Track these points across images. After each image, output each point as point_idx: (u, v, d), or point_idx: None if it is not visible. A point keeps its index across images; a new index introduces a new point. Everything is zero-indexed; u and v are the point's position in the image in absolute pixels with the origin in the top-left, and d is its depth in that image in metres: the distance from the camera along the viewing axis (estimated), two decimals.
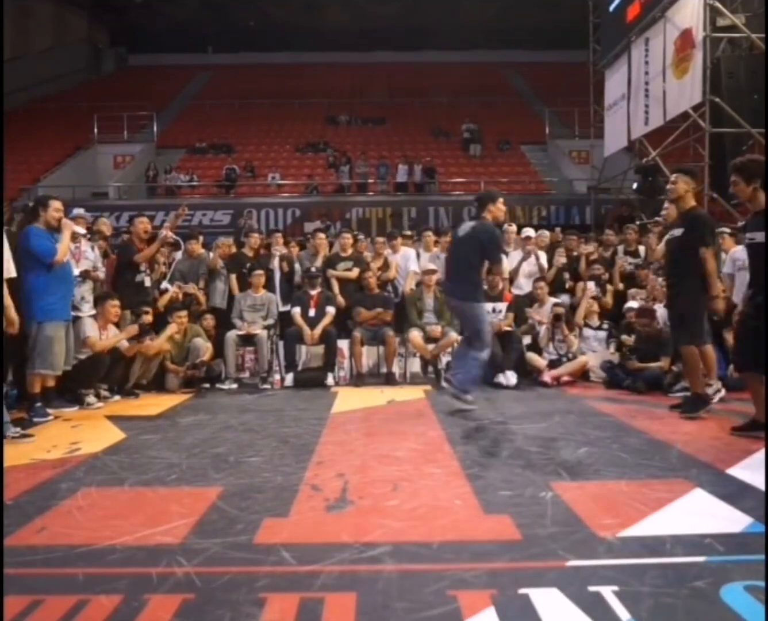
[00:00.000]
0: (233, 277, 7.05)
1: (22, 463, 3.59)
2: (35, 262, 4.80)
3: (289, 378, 6.51)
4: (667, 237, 5.17)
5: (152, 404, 5.52)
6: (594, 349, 6.62)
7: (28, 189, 15.48)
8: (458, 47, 27.04)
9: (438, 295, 6.76)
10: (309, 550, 2.31)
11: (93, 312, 5.71)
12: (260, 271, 6.84)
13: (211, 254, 7.26)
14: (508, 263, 7.36)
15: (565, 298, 7.08)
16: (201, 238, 7.46)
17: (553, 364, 6.37)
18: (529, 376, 6.43)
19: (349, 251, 7.38)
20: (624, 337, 6.32)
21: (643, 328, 6.01)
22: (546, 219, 15.31)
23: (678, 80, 10.67)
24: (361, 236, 8.63)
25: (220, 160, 18.72)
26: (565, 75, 20.53)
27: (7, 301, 4.32)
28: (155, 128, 19.89)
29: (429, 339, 6.56)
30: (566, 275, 7.36)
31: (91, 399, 5.37)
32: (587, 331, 6.72)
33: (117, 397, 5.75)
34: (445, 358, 6.76)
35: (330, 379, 6.53)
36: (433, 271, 6.82)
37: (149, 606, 1.92)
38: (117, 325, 5.85)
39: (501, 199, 5.15)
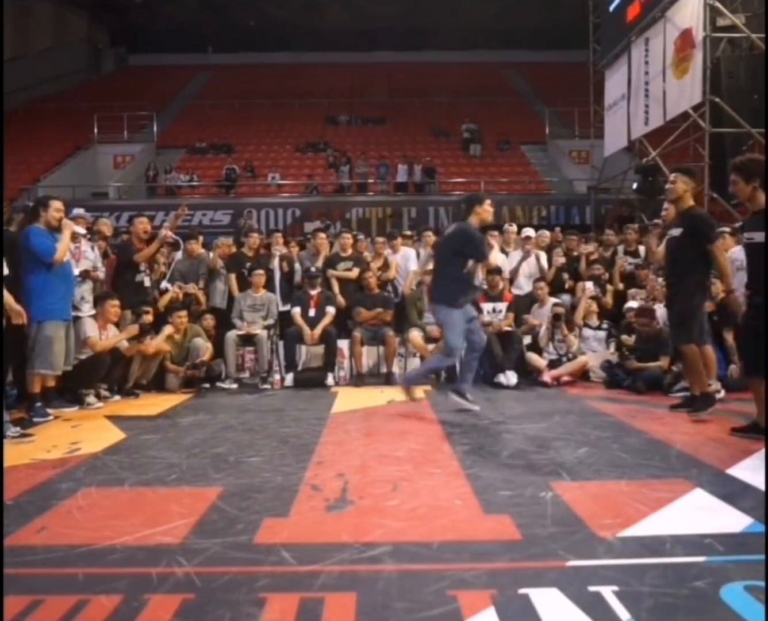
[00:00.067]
0: (233, 276, 7.05)
1: (22, 463, 3.59)
2: (35, 262, 4.80)
3: (289, 378, 6.51)
4: (666, 237, 5.17)
5: (152, 404, 5.52)
6: (594, 349, 6.62)
7: (28, 189, 15.48)
8: (458, 47, 27.04)
9: None
10: (309, 550, 2.31)
11: (93, 312, 5.70)
12: (261, 271, 6.84)
13: (211, 254, 7.26)
14: (508, 263, 7.38)
15: (565, 298, 7.08)
16: (201, 238, 7.46)
17: (553, 364, 6.37)
18: (529, 376, 6.43)
19: (349, 251, 7.38)
20: (624, 337, 6.32)
21: (643, 327, 6.01)
22: (546, 219, 15.31)
23: (678, 80, 10.68)
24: (361, 236, 8.63)
25: (220, 160, 18.72)
26: (565, 75, 20.53)
27: (7, 296, 4.32)
28: (155, 128, 19.89)
29: (429, 339, 6.56)
30: (565, 276, 7.36)
31: (91, 399, 5.37)
32: (587, 331, 6.72)
33: (117, 397, 5.75)
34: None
35: (330, 379, 6.53)
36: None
37: (149, 606, 1.92)
38: (117, 325, 5.85)
39: (488, 201, 5.16)
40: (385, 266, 7.40)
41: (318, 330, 6.58)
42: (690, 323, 4.48)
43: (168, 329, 6.14)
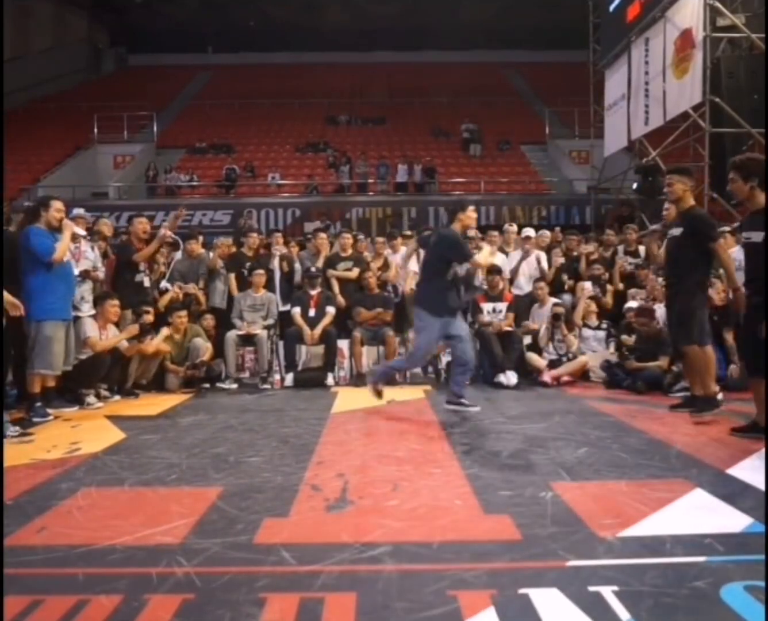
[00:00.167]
0: (232, 276, 7.05)
1: (22, 463, 3.59)
2: (35, 262, 4.80)
3: (289, 378, 6.51)
4: (666, 237, 5.17)
5: (152, 404, 5.52)
6: (593, 349, 6.62)
7: (28, 189, 15.48)
8: (458, 47, 27.04)
9: None
10: (309, 550, 2.31)
11: (92, 312, 5.71)
12: (261, 271, 6.84)
13: (211, 254, 7.26)
14: (508, 263, 7.38)
15: (566, 298, 7.08)
16: (201, 238, 7.47)
17: (553, 364, 6.37)
18: (529, 376, 6.43)
19: (349, 251, 7.38)
20: (624, 337, 6.32)
21: (642, 327, 6.01)
22: (546, 219, 15.31)
23: (678, 80, 10.68)
24: (361, 236, 8.63)
25: (220, 160, 18.72)
26: (565, 75, 20.53)
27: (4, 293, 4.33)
28: (155, 128, 19.89)
29: None
30: (564, 277, 7.36)
31: (91, 399, 5.37)
32: (586, 332, 6.72)
33: (117, 397, 5.75)
34: (445, 358, 6.76)
35: (330, 379, 6.53)
36: None
37: (149, 606, 1.92)
38: (117, 325, 5.85)
39: (471, 208, 5.17)
40: (385, 266, 7.40)
41: (318, 330, 6.58)
42: (691, 324, 4.47)
43: (165, 331, 6.13)
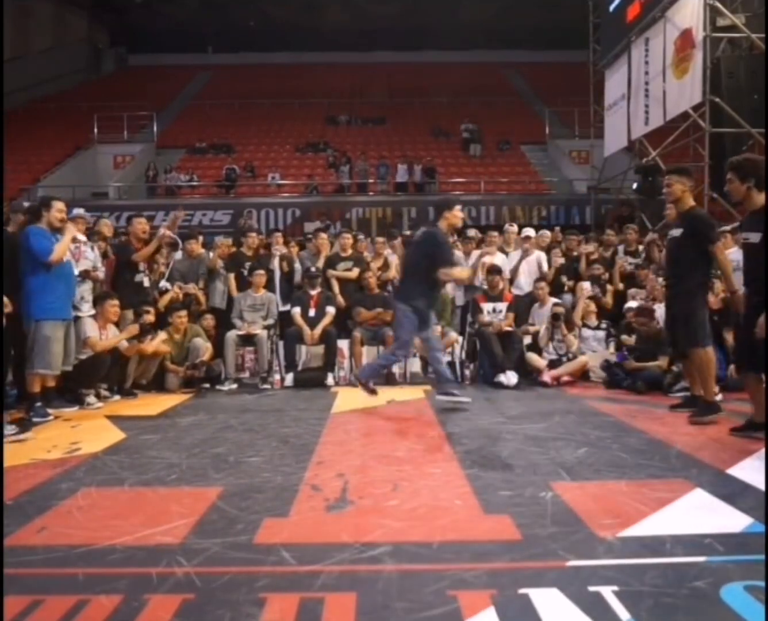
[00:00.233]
0: (231, 276, 7.05)
1: (22, 463, 3.59)
2: (34, 262, 4.80)
3: (289, 378, 6.51)
4: (667, 237, 5.16)
5: (152, 404, 5.52)
6: (593, 349, 6.62)
7: (28, 189, 15.49)
8: (458, 47, 27.05)
9: (438, 295, 6.75)
10: (309, 550, 2.31)
11: (92, 312, 5.71)
12: (261, 271, 6.84)
13: (211, 254, 7.26)
14: (508, 263, 7.38)
15: (566, 298, 7.08)
16: (200, 238, 7.47)
17: (553, 364, 6.37)
18: (529, 376, 6.43)
19: (349, 251, 7.38)
20: (624, 337, 6.32)
21: (642, 327, 6.01)
22: (546, 219, 15.32)
23: (678, 80, 10.68)
24: (361, 236, 8.63)
25: (220, 160, 18.73)
26: (565, 75, 20.53)
27: None
28: (155, 128, 19.89)
29: None
30: (563, 278, 7.36)
31: (91, 399, 5.37)
32: (586, 332, 6.72)
33: (117, 397, 5.75)
34: (445, 358, 6.75)
35: (330, 379, 6.53)
36: None
37: (149, 606, 1.92)
38: (117, 325, 5.85)
39: (457, 207, 5.19)
40: (385, 266, 7.40)
41: (318, 330, 6.58)
42: (695, 326, 4.45)
43: (162, 336, 6.12)
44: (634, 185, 12.24)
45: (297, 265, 7.45)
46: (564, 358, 6.41)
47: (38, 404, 4.78)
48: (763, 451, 3.45)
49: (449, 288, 7.25)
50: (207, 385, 6.40)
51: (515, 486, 3.01)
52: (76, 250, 5.56)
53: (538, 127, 19.90)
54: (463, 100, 22.15)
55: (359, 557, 2.25)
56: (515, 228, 7.98)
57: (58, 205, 4.99)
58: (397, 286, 5.43)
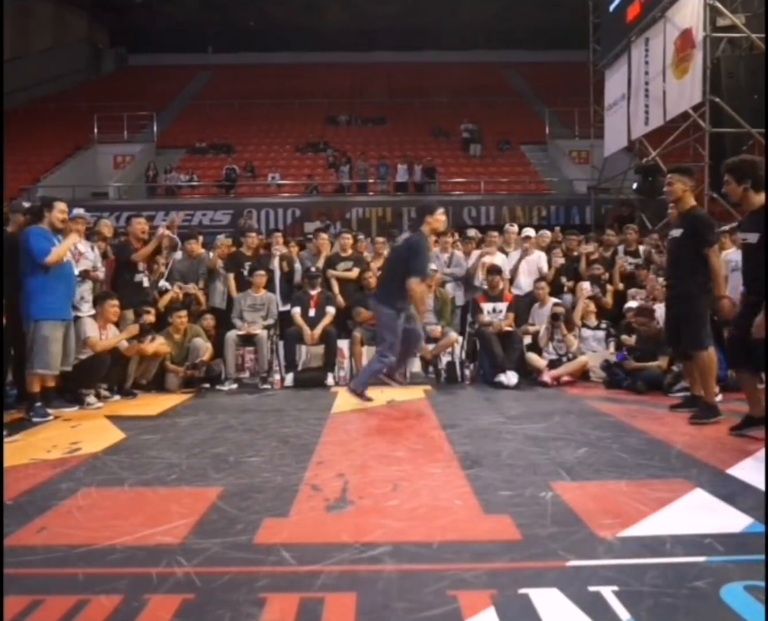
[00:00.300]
0: (231, 276, 7.05)
1: (22, 463, 3.59)
2: (33, 262, 4.81)
3: (289, 378, 6.51)
4: (667, 238, 5.16)
5: (152, 404, 5.52)
6: (593, 349, 6.62)
7: (28, 189, 15.49)
8: (458, 47, 27.06)
9: (438, 295, 6.77)
10: (309, 550, 2.31)
11: (92, 312, 5.71)
12: (262, 272, 6.84)
13: (211, 254, 7.26)
14: (508, 263, 7.38)
15: (566, 298, 7.08)
16: (200, 238, 7.47)
17: (553, 364, 6.37)
18: (529, 376, 6.42)
19: (349, 251, 7.38)
20: (624, 337, 6.32)
21: (641, 327, 6.01)
22: (546, 219, 15.32)
23: (678, 80, 10.69)
24: (361, 236, 8.63)
25: (220, 160, 18.73)
26: (565, 75, 20.54)
27: None
28: (155, 128, 19.90)
29: (429, 339, 6.56)
30: (563, 278, 7.36)
31: (91, 399, 5.37)
32: (585, 332, 6.72)
33: (117, 397, 5.75)
34: (445, 358, 6.77)
35: (330, 379, 6.53)
36: (434, 271, 6.82)
37: (149, 606, 1.92)
38: (117, 325, 5.85)
39: (440, 210, 5.18)
40: None
41: (318, 330, 6.58)
42: (699, 327, 4.43)
43: (160, 340, 6.12)
44: (634, 185, 12.24)
45: (297, 265, 7.45)
46: (564, 358, 6.41)
47: (38, 404, 4.79)
48: (763, 451, 3.45)
49: (449, 288, 7.26)
50: (207, 385, 6.40)
51: (515, 486, 3.01)
52: (75, 250, 5.56)
53: (538, 127, 19.90)
54: (463, 100, 22.15)
55: (359, 557, 2.25)
56: (515, 228, 7.99)
57: (60, 206, 5.00)
58: (375, 289, 5.43)
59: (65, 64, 25.87)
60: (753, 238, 3.83)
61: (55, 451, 3.85)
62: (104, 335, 5.62)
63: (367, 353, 6.87)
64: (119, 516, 2.70)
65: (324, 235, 7.75)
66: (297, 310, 6.74)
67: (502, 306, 6.61)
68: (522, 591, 1.96)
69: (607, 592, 1.94)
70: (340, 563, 2.19)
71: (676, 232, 4.62)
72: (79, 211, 7.80)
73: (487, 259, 7.15)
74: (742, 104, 9.73)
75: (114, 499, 2.96)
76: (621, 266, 7.42)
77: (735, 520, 2.52)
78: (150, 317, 5.99)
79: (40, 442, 4.12)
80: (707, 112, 10.01)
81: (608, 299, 7.16)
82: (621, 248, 7.99)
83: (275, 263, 7.29)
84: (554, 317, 6.45)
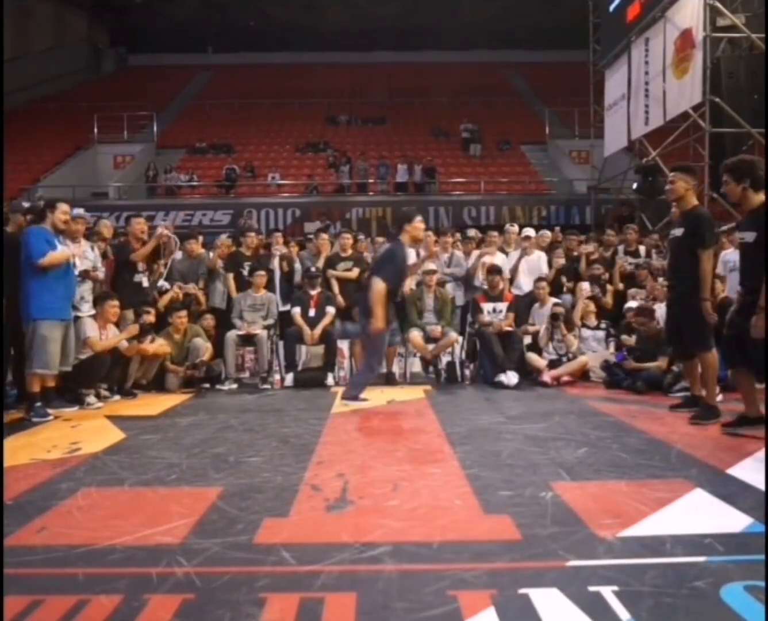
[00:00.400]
0: (230, 276, 7.05)
1: (22, 463, 3.59)
2: (31, 261, 4.81)
3: (289, 378, 6.51)
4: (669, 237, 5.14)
5: (152, 404, 5.52)
6: (593, 349, 6.62)
7: (28, 189, 15.49)
8: (458, 47, 27.07)
9: (438, 295, 6.77)
10: (309, 550, 2.31)
11: (92, 312, 5.71)
12: (262, 272, 6.84)
13: (211, 254, 7.26)
14: (508, 263, 7.38)
15: (566, 298, 7.08)
16: (201, 238, 7.47)
17: (553, 364, 6.37)
18: (529, 376, 6.42)
19: (349, 251, 7.38)
20: (624, 337, 6.32)
21: (641, 327, 6.01)
22: (546, 219, 15.33)
23: (678, 80, 10.69)
24: (361, 236, 8.63)
25: (220, 160, 18.73)
26: (565, 75, 20.55)
27: None
28: (155, 128, 19.90)
29: (429, 339, 6.57)
30: (563, 278, 7.35)
31: (91, 399, 5.37)
32: (585, 332, 6.71)
33: (117, 397, 5.75)
34: (445, 358, 6.77)
35: (330, 379, 6.53)
36: (434, 271, 6.83)
37: (149, 606, 1.92)
38: (117, 325, 5.85)
39: (418, 218, 5.19)
40: None
41: (318, 330, 6.58)
42: (702, 328, 4.42)
43: (160, 341, 6.12)
44: (634, 185, 12.24)
45: (297, 265, 7.45)
46: (564, 358, 6.41)
47: (38, 404, 4.79)
48: (763, 451, 3.45)
49: (449, 288, 7.27)
50: (207, 385, 6.40)
51: (515, 486, 3.01)
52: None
53: (538, 127, 19.91)
54: (463, 100, 22.16)
55: (359, 557, 2.25)
56: (516, 228, 7.99)
57: (63, 207, 5.02)
58: (359, 305, 5.52)
59: (65, 64, 25.87)
60: (750, 236, 3.84)
61: (55, 451, 3.85)
62: (104, 335, 5.62)
63: None
64: (119, 516, 2.70)
65: (324, 235, 7.75)
66: (297, 310, 6.74)
67: (502, 306, 6.61)
68: (522, 591, 1.96)
69: (607, 592, 1.94)
70: (340, 563, 2.19)
71: (678, 232, 4.59)
72: (79, 211, 7.81)
73: (487, 259, 7.15)
74: (742, 104, 9.73)
75: (114, 499, 2.96)
76: (621, 266, 7.42)
77: (735, 520, 2.52)
78: (150, 317, 5.99)
79: (40, 442, 4.12)
80: (707, 112, 10.02)
81: (608, 299, 7.16)
82: (621, 248, 7.99)
83: (275, 263, 7.29)
84: (554, 317, 6.45)
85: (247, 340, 6.65)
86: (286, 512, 2.72)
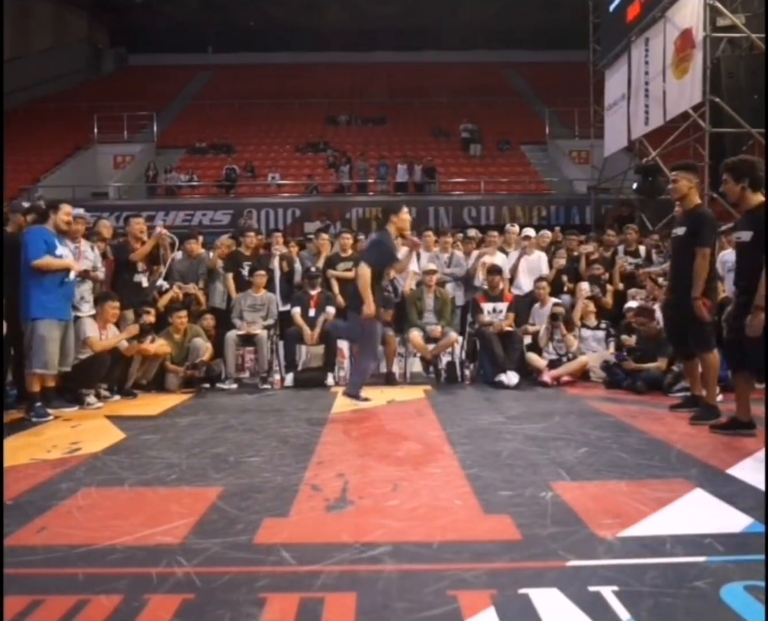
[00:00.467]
0: (230, 276, 7.05)
1: (22, 463, 3.59)
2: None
3: (289, 378, 6.51)
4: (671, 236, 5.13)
5: (152, 404, 5.52)
6: (593, 349, 6.61)
7: (28, 189, 15.48)
8: (458, 47, 27.06)
9: (438, 295, 6.77)
10: (309, 550, 2.31)
11: (92, 312, 5.71)
12: (262, 272, 6.83)
13: (211, 254, 7.26)
14: (508, 263, 7.38)
15: (566, 298, 7.08)
16: (201, 237, 7.47)
17: (553, 364, 6.37)
18: (529, 376, 6.42)
19: (349, 251, 7.38)
20: (624, 337, 6.32)
21: (641, 327, 6.01)
22: (546, 219, 15.32)
23: (678, 80, 10.69)
24: (361, 236, 8.63)
25: (220, 160, 18.73)
26: (565, 75, 20.54)
27: None
28: (155, 128, 19.90)
29: (429, 339, 6.56)
30: (564, 278, 7.36)
31: (91, 399, 5.37)
32: (585, 332, 6.71)
33: (117, 397, 5.75)
34: (445, 358, 6.77)
35: (330, 379, 6.53)
36: (434, 271, 6.83)
37: (149, 606, 1.92)
38: (117, 325, 5.85)
39: (404, 210, 5.20)
40: None
41: (318, 330, 6.58)
42: (705, 329, 4.42)
43: (161, 342, 6.12)
44: (634, 185, 12.24)
45: (297, 265, 7.45)
46: (564, 358, 6.41)
47: (38, 404, 4.78)
48: (763, 451, 3.45)
49: (449, 288, 7.27)
50: (207, 385, 6.40)
51: (515, 486, 3.01)
52: (75, 250, 5.56)
53: (538, 127, 19.90)
54: (463, 100, 22.16)
55: (359, 557, 2.25)
56: (516, 228, 7.99)
57: (66, 209, 5.03)
58: (349, 300, 5.49)
59: (65, 64, 25.87)
60: (746, 236, 3.85)
61: (55, 451, 3.85)
62: (104, 335, 5.62)
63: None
64: (119, 516, 2.70)
65: (324, 235, 7.75)
66: (297, 310, 6.74)
67: (502, 306, 6.60)
68: (522, 591, 1.96)
69: (607, 592, 1.94)
70: (340, 563, 2.19)
71: (680, 230, 4.56)
72: (79, 211, 7.80)
73: (487, 259, 7.15)
74: (742, 104, 9.73)
75: (114, 499, 2.96)
76: (621, 266, 7.42)
77: (735, 520, 2.52)
78: (150, 317, 5.99)
79: (40, 442, 4.12)
80: (707, 112, 10.01)
81: (608, 299, 7.16)
82: (621, 248, 7.99)
83: (275, 263, 7.29)
84: (553, 317, 6.45)
85: (247, 340, 6.65)
86: (286, 512, 2.72)
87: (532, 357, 6.50)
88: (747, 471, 3.17)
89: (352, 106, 22.72)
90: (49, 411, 4.85)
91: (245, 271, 7.03)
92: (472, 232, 8.68)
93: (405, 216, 5.17)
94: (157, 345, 6.04)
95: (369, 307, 4.92)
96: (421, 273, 7.03)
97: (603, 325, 6.74)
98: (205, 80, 26.27)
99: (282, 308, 6.99)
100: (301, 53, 27.15)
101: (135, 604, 1.92)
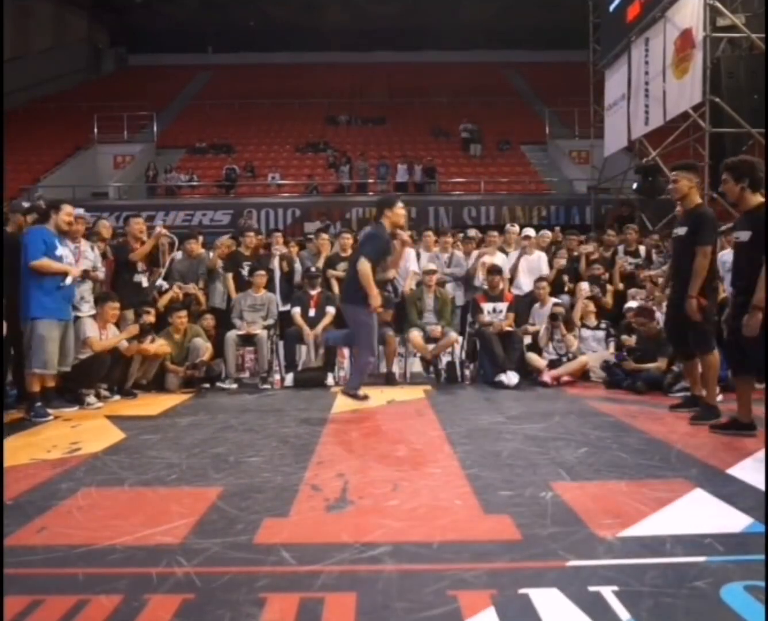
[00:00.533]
0: (229, 276, 7.05)
1: (22, 463, 3.59)
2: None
3: (289, 378, 6.51)
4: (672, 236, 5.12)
5: (152, 404, 5.51)
6: (593, 349, 6.61)
7: (28, 189, 15.48)
8: (458, 47, 27.07)
9: (438, 295, 6.77)
10: (309, 550, 2.31)
11: (93, 312, 5.71)
12: (262, 272, 6.83)
13: (211, 254, 7.26)
14: (508, 263, 7.38)
15: (565, 299, 7.08)
16: (201, 237, 7.47)
17: (553, 364, 6.37)
18: (529, 376, 6.42)
19: (349, 251, 7.36)
20: (624, 337, 6.32)
21: (641, 327, 6.01)
22: (546, 219, 15.33)
23: (678, 80, 10.69)
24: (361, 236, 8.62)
25: (220, 160, 18.73)
26: (565, 75, 20.54)
27: None
28: (155, 128, 19.90)
29: (429, 339, 6.57)
30: (565, 278, 7.36)
31: (91, 399, 5.36)
32: (585, 332, 6.71)
33: (117, 397, 5.75)
34: (445, 358, 6.77)
35: (330, 379, 6.53)
36: (434, 271, 6.83)
37: (149, 606, 1.92)
38: (117, 325, 5.85)
39: (399, 204, 5.15)
40: None
41: (318, 330, 6.58)
42: (706, 329, 4.41)
43: (161, 342, 6.11)
44: (634, 185, 12.24)
45: (297, 265, 7.46)
46: (564, 358, 6.41)
47: (38, 404, 4.78)
48: (763, 451, 3.45)
49: (449, 288, 7.27)
50: (207, 385, 6.40)
51: (515, 486, 3.01)
52: (75, 250, 5.56)
53: (538, 127, 19.91)
54: (463, 100, 22.16)
55: (359, 557, 2.25)
56: (516, 228, 7.99)
57: (67, 209, 5.03)
58: (342, 293, 5.39)
59: (65, 64, 25.87)
60: (745, 236, 3.85)
61: (55, 451, 3.85)
62: (104, 335, 5.62)
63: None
64: (119, 516, 2.70)
65: (324, 235, 7.76)
66: (297, 310, 6.74)
67: (502, 306, 6.60)
68: (522, 591, 1.96)
69: (607, 592, 1.94)
70: (340, 563, 2.19)
71: (681, 230, 4.55)
72: (79, 211, 7.79)
73: (487, 259, 7.15)
74: (742, 104, 9.74)
75: (114, 499, 2.96)
76: (621, 266, 7.42)
77: (735, 520, 2.52)
78: (150, 317, 5.99)
79: (40, 442, 4.12)
80: (707, 112, 10.02)
81: (608, 299, 7.16)
82: (621, 248, 7.99)
83: (275, 263, 7.29)
84: (553, 317, 6.45)
85: (247, 340, 6.65)
86: (286, 512, 2.72)
87: (532, 357, 6.50)
88: (747, 471, 3.17)
89: (352, 106, 22.72)
90: (49, 411, 4.85)
91: (245, 271, 7.03)
92: (472, 232, 8.68)
93: (399, 210, 5.13)
94: (157, 345, 6.04)
95: (375, 299, 4.87)
96: (421, 273, 7.03)
97: (603, 325, 6.73)
98: (205, 80, 26.27)
99: (282, 308, 6.99)
100: (301, 53, 27.15)
101: (135, 604, 1.92)
